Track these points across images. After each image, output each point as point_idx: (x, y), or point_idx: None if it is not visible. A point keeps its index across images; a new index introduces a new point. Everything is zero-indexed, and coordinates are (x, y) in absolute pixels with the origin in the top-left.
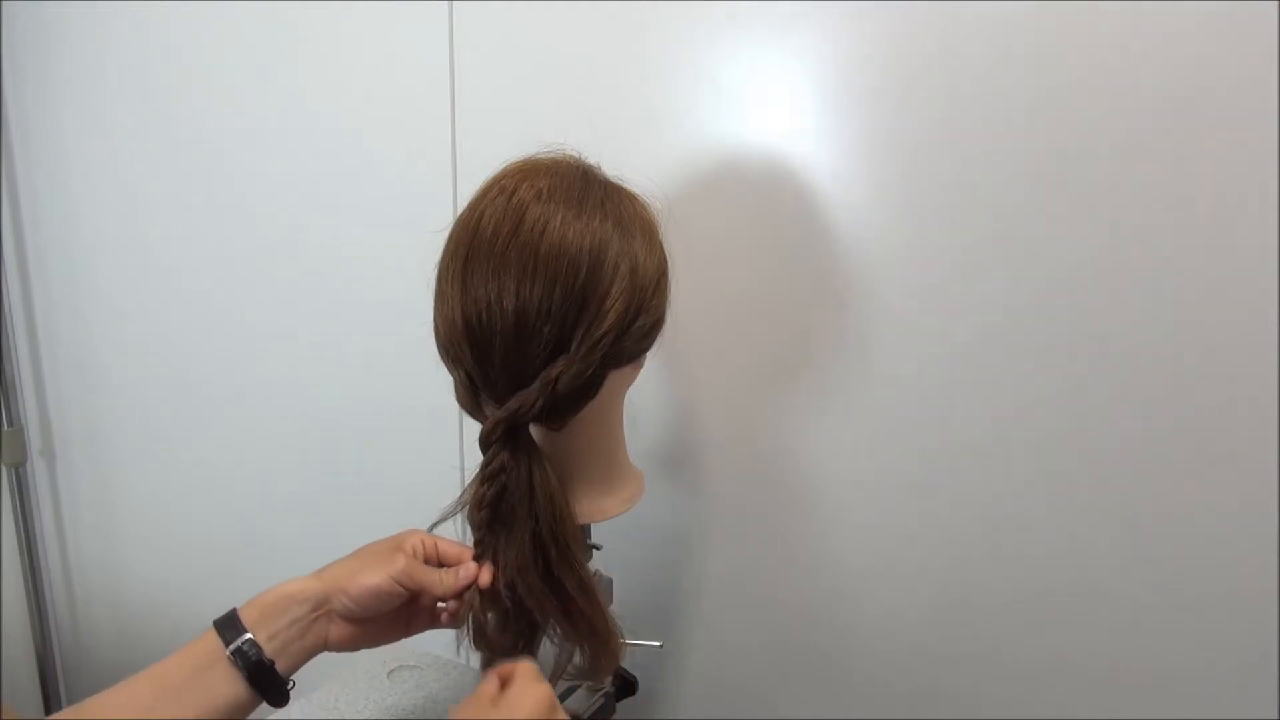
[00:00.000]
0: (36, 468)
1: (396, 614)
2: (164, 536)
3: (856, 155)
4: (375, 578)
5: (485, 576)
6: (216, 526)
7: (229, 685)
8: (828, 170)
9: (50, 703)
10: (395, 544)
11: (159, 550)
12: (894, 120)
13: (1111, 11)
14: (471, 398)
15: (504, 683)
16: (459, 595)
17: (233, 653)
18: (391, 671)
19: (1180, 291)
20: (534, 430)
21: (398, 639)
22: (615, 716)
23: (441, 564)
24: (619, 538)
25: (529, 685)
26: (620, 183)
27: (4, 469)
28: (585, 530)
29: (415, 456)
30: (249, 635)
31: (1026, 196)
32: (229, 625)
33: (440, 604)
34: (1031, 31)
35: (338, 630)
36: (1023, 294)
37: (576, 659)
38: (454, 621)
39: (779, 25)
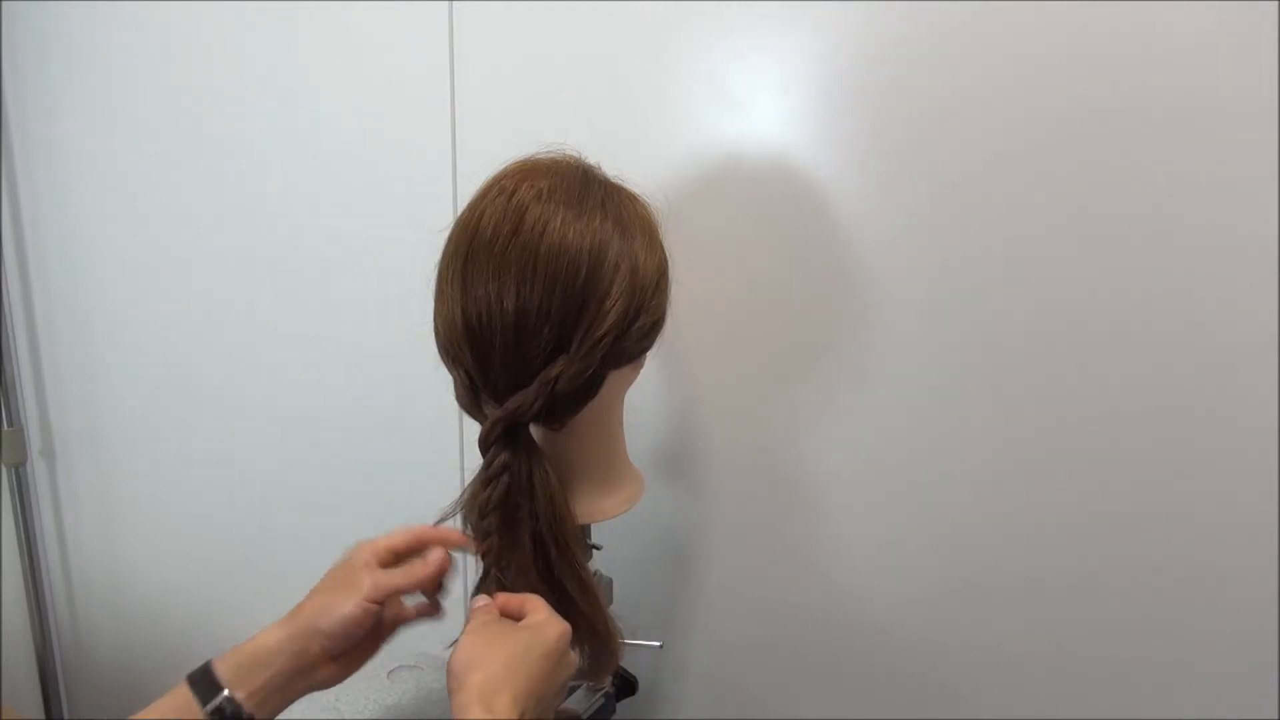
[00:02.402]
0: (36, 468)
1: (369, 633)
2: (164, 536)
3: (858, 156)
4: (347, 607)
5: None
6: (217, 527)
7: None
8: (829, 170)
9: (50, 703)
10: (349, 565)
11: (159, 550)
12: (895, 121)
13: (1113, 12)
14: (471, 398)
15: (504, 611)
16: (435, 584)
17: (211, 713)
18: (391, 671)
19: (1182, 291)
20: (534, 430)
21: (375, 653)
22: (615, 716)
23: (398, 559)
24: (619, 538)
25: (553, 617)
26: (620, 183)
27: (4, 469)
28: (585, 530)
29: (415, 456)
30: (226, 693)
31: (1029, 198)
32: (204, 680)
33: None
34: (1034, 32)
35: (323, 673)
36: (1025, 293)
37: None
38: (433, 610)
39: (780, 25)
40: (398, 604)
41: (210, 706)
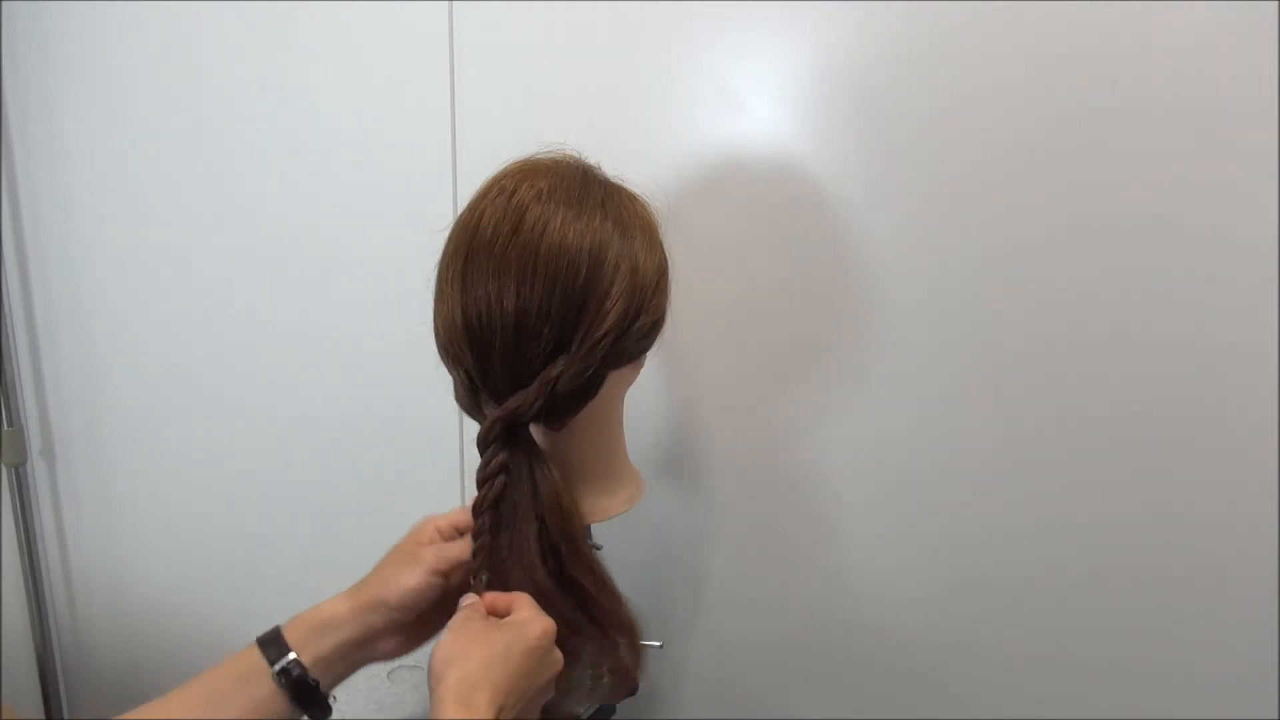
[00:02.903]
0: (36, 468)
1: (435, 605)
2: (164, 536)
3: (858, 156)
4: (412, 578)
5: None
6: (217, 527)
7: (274, 701)
8: (829, 171)
9: (50, 703)
10: (414, 539)
11: (159, 550)
12: (896, 122)
13: (1113, 12)
14: (471, 398)
15: (492, 610)
16: None
17: (278, 672)
18: (391, 671)
19: (1182, 291)
20: (534, 430)
21: (438, 630)
22: (615, 717)
23: (463, 535)
24: (619, 538)
25: (538, 614)
26: (620, 183)
27: (4, 469)
28: (585, 530)
29: (416, 457)
30: (293, 655)
31: (1030, 198)
32: (273, 643)
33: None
34: (1035, 33)
35: (386, 644)
36: (1025, 294)
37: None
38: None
39: (780, 25)
40: (463, 574)
41: (278, 667)
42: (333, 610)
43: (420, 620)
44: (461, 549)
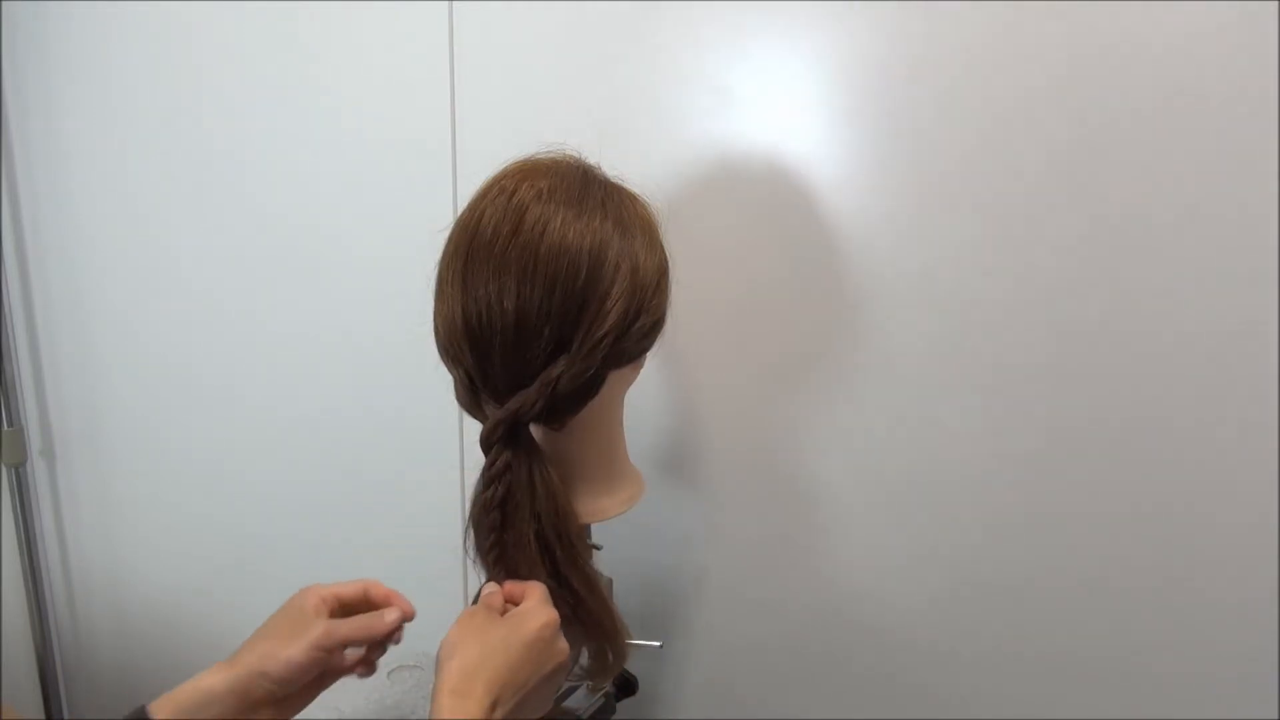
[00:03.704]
0: (36, 468)
1: (314, 679)
2: (164, 536)
3: (858, 156)
4: (296, 652)
5: (408, 608)
6: (217, 527)
7: None
8: (829, 171)
9: (50, 703)
10: (298, 608)
11: (159, 550)
12: (895, 121)
13: (1114, 13)
14: (471, 397)
15: (509, 599)
16: (386, 639)
17: None
18: (391, 671)
19: (1181, 292)
20: (534, 430)
21: (311, 700)
22: (615, 717)
23: (347, 611)
24: (619, 538)
25: (540, 606)
26: (620, 183)
27: (4, 469)
28: (585, 530)
29: (416, 457)
30: None
31: (1028, 198)
32: None
33: (352, 653)
34: (1034, 33)
35: (263, 716)
36: (1025, 294)
37: (583, 660)
38: (368, 670)
39: (782, 25)
40: (339, 653)
41: None
42: (206, 684)
43: (296, 693)
44: (352, 630)
